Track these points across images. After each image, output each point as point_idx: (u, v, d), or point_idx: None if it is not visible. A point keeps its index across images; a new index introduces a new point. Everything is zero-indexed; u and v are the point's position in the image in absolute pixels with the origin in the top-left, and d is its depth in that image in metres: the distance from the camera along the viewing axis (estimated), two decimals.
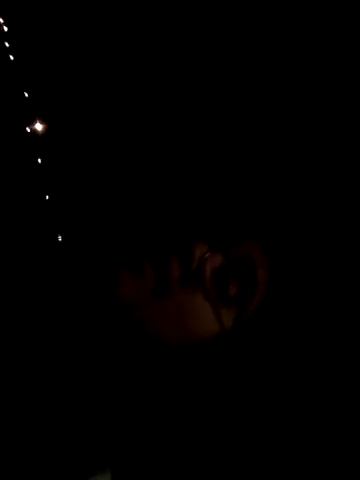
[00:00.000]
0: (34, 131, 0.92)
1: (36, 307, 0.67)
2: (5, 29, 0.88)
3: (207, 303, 0.66)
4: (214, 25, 0.69)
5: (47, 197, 0.67)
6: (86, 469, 0.64)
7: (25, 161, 0.68)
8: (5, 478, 0.61)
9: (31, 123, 0.91)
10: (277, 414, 0.64)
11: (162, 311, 0.65)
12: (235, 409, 0.64)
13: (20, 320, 0.67)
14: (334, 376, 0.65)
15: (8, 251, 0.67)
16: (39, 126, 0.91)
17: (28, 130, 0.92)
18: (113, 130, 0.71)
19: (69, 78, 0.82)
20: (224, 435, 0.63)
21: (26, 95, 0.90)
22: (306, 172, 0.68)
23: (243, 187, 0.65)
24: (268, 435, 0.63)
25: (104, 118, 0.72)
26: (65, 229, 0.67)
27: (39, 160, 0.76)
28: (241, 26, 0.69)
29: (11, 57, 0.88)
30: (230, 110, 0.69)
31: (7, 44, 0.88)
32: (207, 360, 0.65)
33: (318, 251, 0.70)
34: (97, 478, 0.64)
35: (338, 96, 0.73)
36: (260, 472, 0.63)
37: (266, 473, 0.63)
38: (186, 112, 0.67)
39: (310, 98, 0.73)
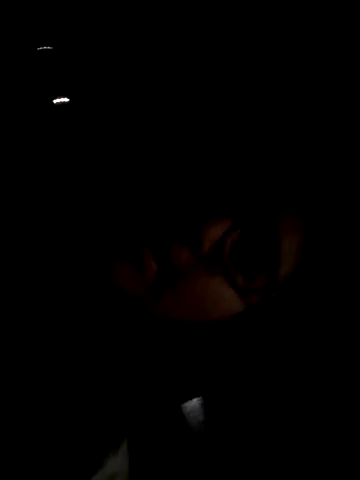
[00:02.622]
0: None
1: (34, 304, 0.61)
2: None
3: (226, 285, 0.55)
4: (214, 25, 0.68)
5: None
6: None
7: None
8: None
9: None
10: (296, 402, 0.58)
11: (172, 301, 0.56)
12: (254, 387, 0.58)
13: (18, 317, 0.60)
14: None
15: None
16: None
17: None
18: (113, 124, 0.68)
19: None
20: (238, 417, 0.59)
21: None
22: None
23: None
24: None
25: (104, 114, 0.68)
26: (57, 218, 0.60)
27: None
28: (241, 26, 0.67)
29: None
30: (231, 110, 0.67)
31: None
32: (229, 337, 0.58)
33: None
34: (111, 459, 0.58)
35: (338, 97, 0.68)
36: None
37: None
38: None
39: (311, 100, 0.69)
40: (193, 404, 0.61)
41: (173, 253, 0.54)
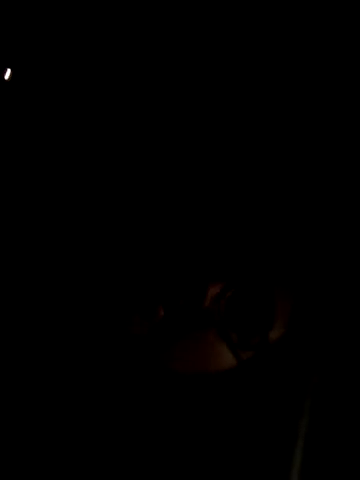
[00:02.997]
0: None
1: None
2: None
3: (220, 340, 0.63)
4: (214, 25, 0.70)
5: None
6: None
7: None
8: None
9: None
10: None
11: (173, 352, 0.63)
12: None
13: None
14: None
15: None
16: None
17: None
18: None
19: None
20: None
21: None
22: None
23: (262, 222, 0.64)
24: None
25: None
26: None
27: None
28: (241, 26, 0.69)
29: None
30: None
31: None
32: (222, 389, 0.63)
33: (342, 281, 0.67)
34: None
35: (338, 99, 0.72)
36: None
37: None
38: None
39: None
40: None
41: (179, 307, 0.62)
